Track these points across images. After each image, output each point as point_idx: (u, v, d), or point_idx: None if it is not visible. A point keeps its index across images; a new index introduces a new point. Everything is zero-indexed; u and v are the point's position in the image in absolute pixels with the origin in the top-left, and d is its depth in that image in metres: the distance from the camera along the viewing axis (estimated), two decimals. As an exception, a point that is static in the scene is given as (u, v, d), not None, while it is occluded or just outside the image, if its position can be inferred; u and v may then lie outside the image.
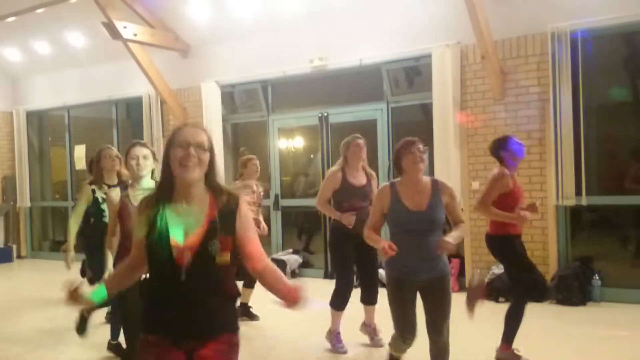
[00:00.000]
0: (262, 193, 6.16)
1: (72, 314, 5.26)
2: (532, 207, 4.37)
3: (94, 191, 4.63)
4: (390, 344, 3.88)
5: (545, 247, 6.51)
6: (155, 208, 2.16)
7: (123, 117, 10.87)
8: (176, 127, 2.25)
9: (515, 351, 4.39)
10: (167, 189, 2.19)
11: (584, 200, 6.27)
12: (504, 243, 4.41)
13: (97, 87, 10.17)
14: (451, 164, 6.88)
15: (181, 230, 2.13)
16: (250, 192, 5.70)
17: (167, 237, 2.12)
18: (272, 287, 2.26)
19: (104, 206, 4.52)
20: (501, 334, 4.37)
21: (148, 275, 2.25)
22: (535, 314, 5.88)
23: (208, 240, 2.12)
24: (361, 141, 4.90)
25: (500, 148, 4.43)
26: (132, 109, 10.66)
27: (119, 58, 9.24)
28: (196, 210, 2.17)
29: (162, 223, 2.12)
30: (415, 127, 9.49)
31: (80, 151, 10.88)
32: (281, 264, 8.31)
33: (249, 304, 5.97)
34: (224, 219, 2.17)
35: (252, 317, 5.93)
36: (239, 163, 6.10)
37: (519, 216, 4.26)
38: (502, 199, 4.32)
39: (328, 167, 8.23)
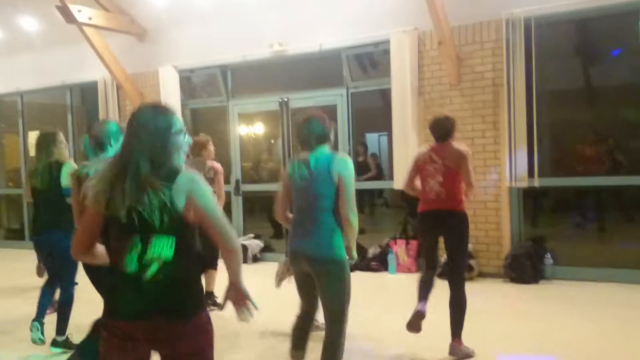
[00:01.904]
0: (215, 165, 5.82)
1: (28, 303, 5.21)
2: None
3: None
4: None
5: (499, 227, 6.72)
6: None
7: (78, 102, 10.65)
8: (160, 109, 2.21)
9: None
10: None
11: (536, 182, 6.48)
12: (467, 221, 4.35)
13: (51, 73, 9.92)
14: (409, 148, 7.00)
15: None
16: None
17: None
18: None
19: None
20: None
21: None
22: (488, 292, 6.12)
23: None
24: None
25: (453, 130, 4.41)
26: (87, 94, 10.45)
27: (73, 42, 9.02)
28: None
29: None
30: (374, 112, 9.63)
31: (34, 137, 10.60)
32: (242, 249, 8.33)
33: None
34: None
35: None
36: (195, 144, 5.61)
37: None
38: (460, 176, 4.31)
39: (289, 152, 8.28)
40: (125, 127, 2.20)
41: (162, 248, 2.06)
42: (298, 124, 3.53)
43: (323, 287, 3.30)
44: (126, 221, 2.06)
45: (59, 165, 4.62)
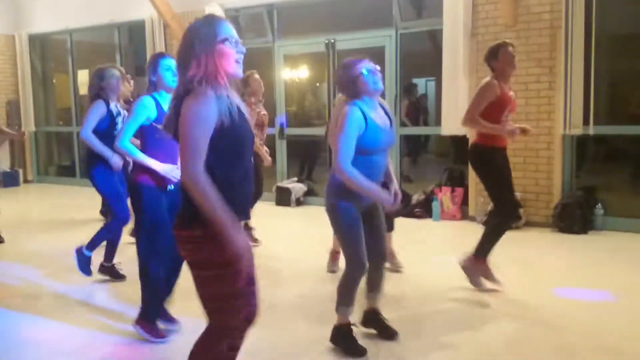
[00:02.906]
0: (265, 115, 5.91)
1: (80, 235, 5.37)
2: (524, 130, 4.44)
3: (107, 103, 4.55)
4: None
5: (550, 176, 6.53)
6: (220, 100, 2.13)
7: (125, 42, 10.69)
8: (209, 19, 2.21)
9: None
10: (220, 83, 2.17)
11: (591, 130, 6.24)
12: (487, 155, 4.30)
13: (100, 11, 9.96)
14: (459, 93, 6.80)
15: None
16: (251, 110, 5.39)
17: (245, 117, 2.22)
18: None
19: (118, 119, 4.54)
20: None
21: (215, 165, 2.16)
22: (537, 241, 6.02)
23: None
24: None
25: (491, 57, 4.33)
26: (134, 33, 10.46)
27: (121, -20, 9.00)
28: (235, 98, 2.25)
29: (235, 107, 2.16)
30: (422, 55, 9.37)
31: (83, 76, 10.77)
32: (286, 192, 8.39)
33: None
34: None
35: (254, 240, 5.97)
36: (240, 82, 5.72)
37: (508, 130, 4.20)
38: (489, 108, 4.23)
39: (334, 95, 8.16)
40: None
41: None
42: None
43: None
44: None
45: None
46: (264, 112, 5.94)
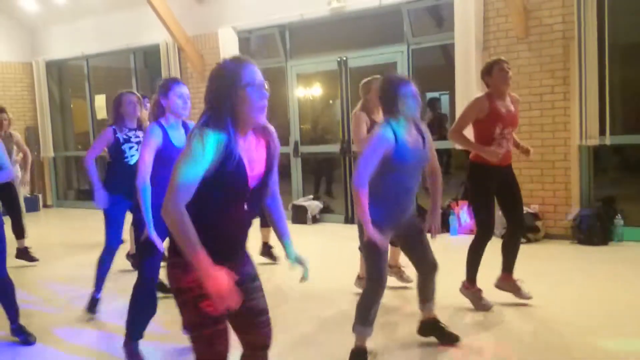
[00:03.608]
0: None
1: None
2: (525, 150, 4.40)
3: (115, 131, 4.60)
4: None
5: (567, 187, 6.48)
6: (221, 141, 2.07)
7: (141, 66, 10.86)
8: (234, 62, 2.16)
9: (518, 282, 4.40)
10: (227, 126, 2.10)
11: (608, 140, 6.19)
12: (475, 172, 4.27)
13: (115, 36, 10.13)
14: (472, 106, 6.79)
15: (247, 162, 2.16)
16: None
17: (244, 167, 2.14)
18: (274, 224, 2.48)
19: (125, 147, 4.55)
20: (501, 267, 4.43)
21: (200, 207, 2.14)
22: (556, 253, 5.95)
23: (267, 173, 2.24)
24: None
25: (486, 74, 4.29)
26: (149, 57, 10.63)
27: (135, 5, 9.16)
28: (252, 144, 2.21)
29: (236, 154, 2.09)
30: (435, 70, 9.38)
31: (100, 101, 10.95)
32: (302, 209, 8.41)
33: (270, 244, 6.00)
34: (270, 153, 2.27)
35: (273, 257, 5.99)
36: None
37: (487, 150, 4.10)
38: (479, 124, 4.21)
39: (348, 112, 8.19)
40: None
41: None
42: None
43: None
44: None
45: None
46: None
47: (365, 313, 3.37)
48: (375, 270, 3.33)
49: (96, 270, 4.68)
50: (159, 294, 4.66)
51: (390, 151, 3.20)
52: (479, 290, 4.35)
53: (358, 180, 3.16)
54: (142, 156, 3.51)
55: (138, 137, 4.60)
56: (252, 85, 2.12)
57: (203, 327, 2.15)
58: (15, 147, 6.82)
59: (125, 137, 4.56)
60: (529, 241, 6.27)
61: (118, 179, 4.54)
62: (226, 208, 2.16)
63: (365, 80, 4.84)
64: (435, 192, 3.57)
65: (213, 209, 2.14)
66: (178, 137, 3.60)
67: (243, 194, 2.18)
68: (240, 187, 2.15)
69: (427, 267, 3.55)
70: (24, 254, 6.51)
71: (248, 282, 2.29)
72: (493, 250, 4.36)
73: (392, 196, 3.29)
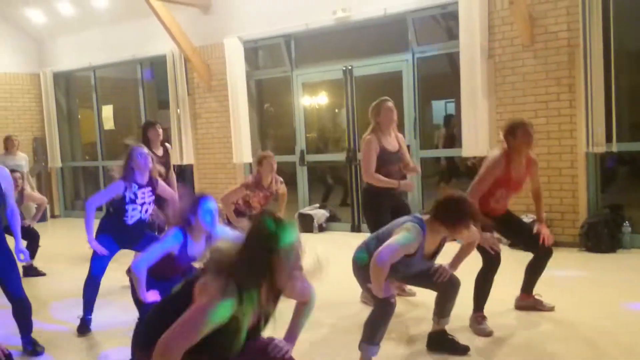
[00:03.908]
0: (279, 185, 5.56)
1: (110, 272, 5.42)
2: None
3: (125, 189, 4.46)
4: None
5: (575, 194, 6.46)
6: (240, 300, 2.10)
7: (148, 76, 10.92)
8: (276, 223, 2.19)
9: (537, 296, 4.41)
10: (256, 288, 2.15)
11: (615, 147, 6.17)
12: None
13: (122, 47, 10.19)
14: (478, 115, 6.80)
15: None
16: (259, 195, 5.41)
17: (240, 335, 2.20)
18: None
19: (129, 207, 4.48)
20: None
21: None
22: (564, 261, 5.92)
23: (263, 322, 2.33)
24: (391, 104, 4.79)
25: (509, 134, 4.14)
26: (156, 68, 10.69)
27: (142, 16, 9.22)
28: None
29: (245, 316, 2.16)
30: (440, 78, 9.39)
31: (107, 111, 11.02)
32: (308, 218, 8.40)
33: None
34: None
35: None
36: (255, 159, 5.59)
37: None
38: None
39: (353, 121, 8.21)
40: None
41: None
42: None
43: None
44: None
45: None
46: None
47: (373, 332, 3.35)
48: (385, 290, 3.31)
49: (83, 295, 4.64)
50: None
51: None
52: (483, 317, 4.14)
53: (383, 261, 3.18)
54: (150, 254, 3.37)
55: (144, 198, 4.54)
56: (285, 252, 2.15)
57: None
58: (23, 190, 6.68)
59: (132, 196, 4.47)
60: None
61: (112, 231, 4.54)
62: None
63: (374, 103, 4.81)
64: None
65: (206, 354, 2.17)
66: (198, 247, 3.51)
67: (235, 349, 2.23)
68: (232, 344, 2.21)
69: (448, 286, 3.64)
70: (31, 270, 6.52)
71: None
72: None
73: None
